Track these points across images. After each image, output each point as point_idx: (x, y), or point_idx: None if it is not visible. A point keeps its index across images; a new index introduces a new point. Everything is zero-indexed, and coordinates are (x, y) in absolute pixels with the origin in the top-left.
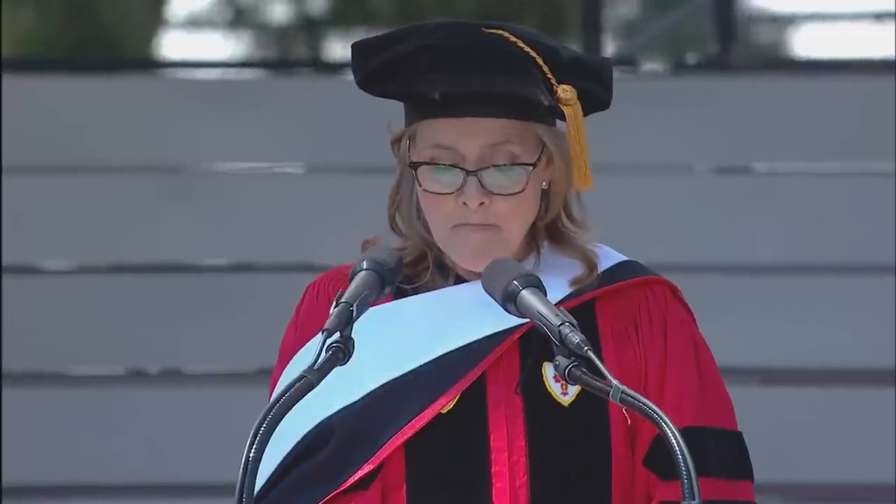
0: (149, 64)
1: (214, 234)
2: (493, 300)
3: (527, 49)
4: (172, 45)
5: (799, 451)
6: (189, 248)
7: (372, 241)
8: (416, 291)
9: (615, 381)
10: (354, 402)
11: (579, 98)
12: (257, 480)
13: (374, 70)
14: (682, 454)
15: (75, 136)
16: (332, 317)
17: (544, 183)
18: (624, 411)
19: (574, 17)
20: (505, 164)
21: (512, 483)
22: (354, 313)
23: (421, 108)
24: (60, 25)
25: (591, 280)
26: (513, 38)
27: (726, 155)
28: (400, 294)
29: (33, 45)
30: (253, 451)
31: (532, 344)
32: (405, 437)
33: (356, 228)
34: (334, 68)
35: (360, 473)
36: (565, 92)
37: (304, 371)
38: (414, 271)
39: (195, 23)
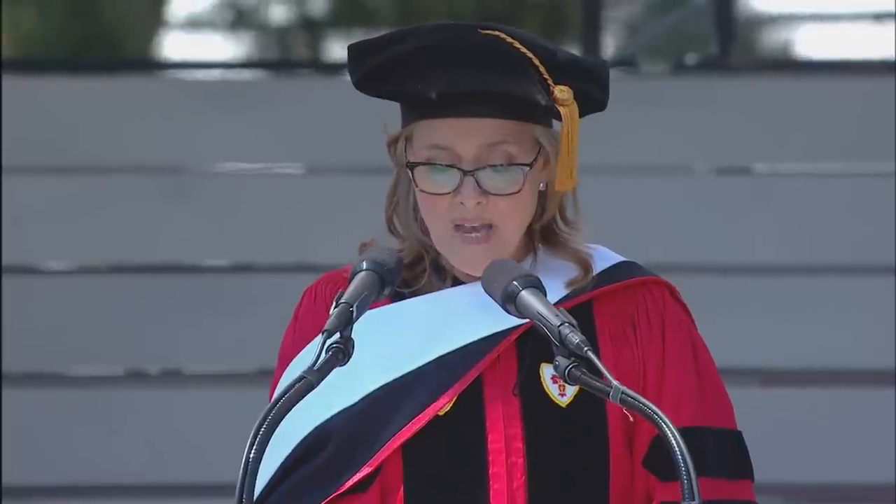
0: (149, 64)
1: (214, 235)
2: (491, 302)
3: (523, 50)
4: (173, 45)
5: (799, 451)
6: (189, 248)
7: (369, 244)
8: (413, 295)
9: (615, 382)
10: (354, 404)
11: (576, 99)
12: (257, 482)
13: (370, 70)
14: (682, 454)
15: (76, 136)
16: (331, 317)
17: (541, 184)
18: (625, 411)
19: (574, 18)
20: (501, 165)
21: (509, 484)
22: (354, 314)
23: (417, 109)
24: (61, 26)
25: (587, 281)
26: (510, 40)
27: (726, 155)
28: (398, 298)
29: (34, 46)
30: (253, 451)
31: (529, 345)
32: (403, 438)
33: (356, 229)
34: (334, 69)
35: (358, 476)
36: (562, 92)
37: (305, 372)
38: (411, 273)
39: (195, 23)
